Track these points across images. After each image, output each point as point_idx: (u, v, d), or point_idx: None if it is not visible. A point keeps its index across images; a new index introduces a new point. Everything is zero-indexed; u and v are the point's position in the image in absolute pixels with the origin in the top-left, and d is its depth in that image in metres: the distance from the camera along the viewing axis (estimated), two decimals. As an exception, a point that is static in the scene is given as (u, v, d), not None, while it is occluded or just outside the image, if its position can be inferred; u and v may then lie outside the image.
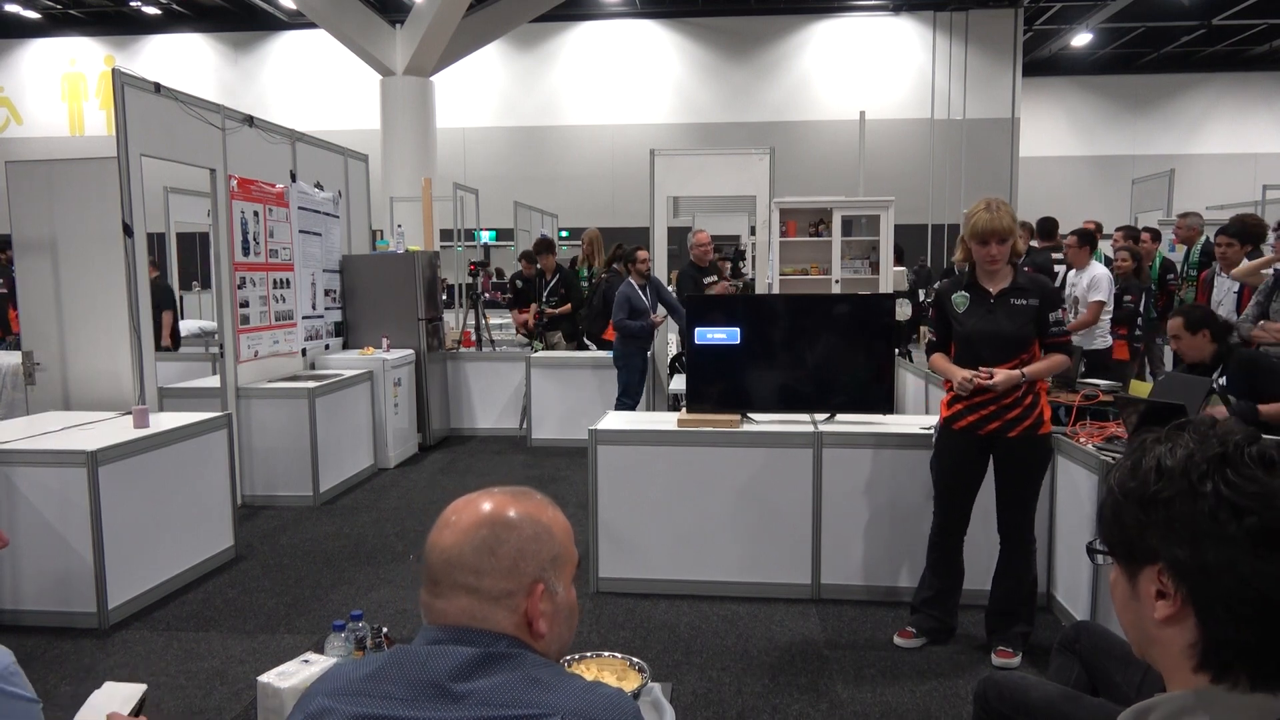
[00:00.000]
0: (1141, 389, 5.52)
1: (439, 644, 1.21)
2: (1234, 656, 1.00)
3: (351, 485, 6.59)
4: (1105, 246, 8.04)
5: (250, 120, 6.26)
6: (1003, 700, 2.21)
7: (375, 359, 7.12)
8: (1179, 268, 7.58)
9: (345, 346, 7.56)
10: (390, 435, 7.13)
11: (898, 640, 3.86)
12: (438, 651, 1.20)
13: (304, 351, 6.93)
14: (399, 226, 8.47)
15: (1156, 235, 8.41)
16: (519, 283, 9.12)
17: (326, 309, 7.34)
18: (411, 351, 7.56)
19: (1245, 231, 5.72)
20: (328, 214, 7.34)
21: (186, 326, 7.59)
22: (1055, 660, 2.42)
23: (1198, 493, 0.99)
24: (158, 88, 5.23)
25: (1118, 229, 7.92)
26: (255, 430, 6.03)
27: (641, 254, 7.17)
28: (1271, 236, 5.69)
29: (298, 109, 15.95)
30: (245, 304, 6.11)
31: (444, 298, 8.61)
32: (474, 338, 8.62)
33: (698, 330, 4.51)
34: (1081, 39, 16.32)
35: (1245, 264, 5.86)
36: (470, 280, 8.90)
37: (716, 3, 16.06)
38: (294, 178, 6.83)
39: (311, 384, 6.21)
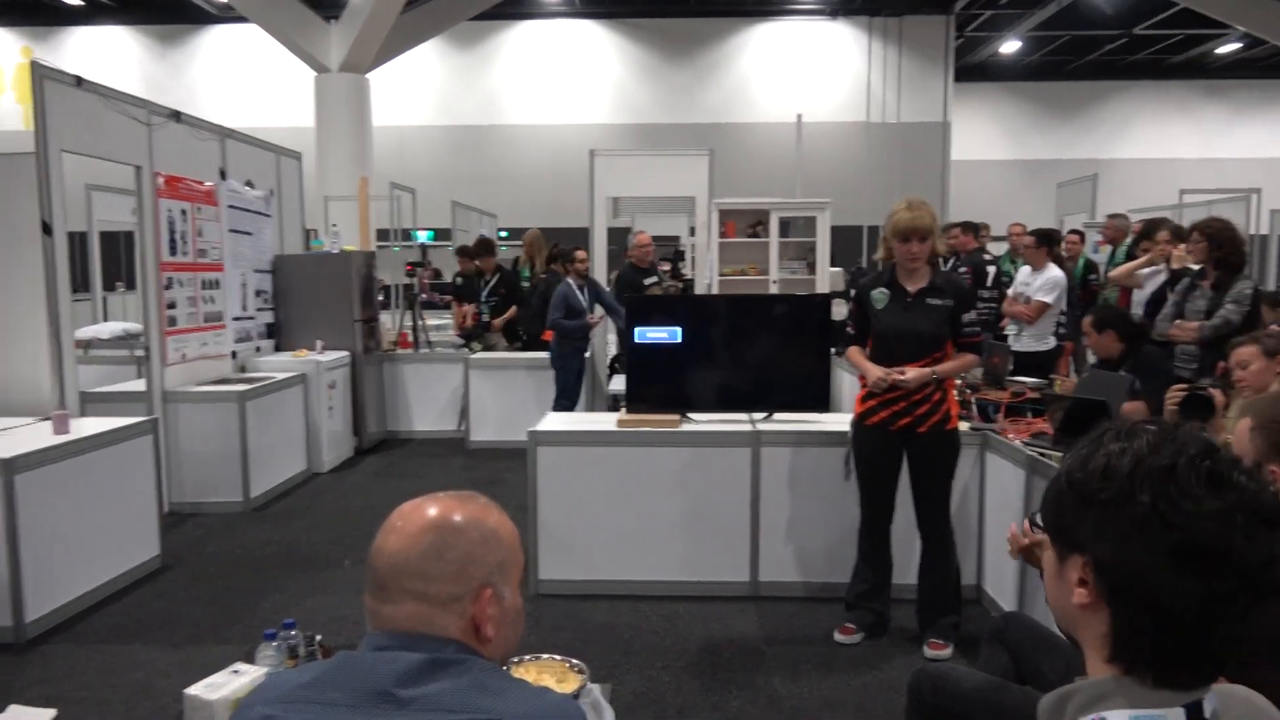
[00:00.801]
0: (1067, 386, 5.69)
1: (385, 650, 1.19)
2: (1139, 656, 1.04)
3: (284, 490, 6.45)
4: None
5: (177, 116, 6.09)
6: (935, 691, 2.26)
7: (309, 361, 6.97)
8: (1104, 268, 7.82)
9: (278, 349, 7.39)
10: (325, 439, 6.99)
11: (838, 637, 3.92)
12: (384, 657, 1.18)
13: (234, 354, 6.76)
14: (334, 226, 8.32)
15: (1082, 237, 8.69)
16: (459, 280, 9.05)
17: (258, 310, 7.17)
18: (346, 353, 7.43)
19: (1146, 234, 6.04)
20: (259, 213, 7.17)
21: (109, 329, 7.33)
22: (984, 650, 2.48)
23: (1134, 500, 1.01)
24: (79, 81, 5.05)
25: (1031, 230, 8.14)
26: (183, 435, 5.86)
27: (580, 254, 7.18)
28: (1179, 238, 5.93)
29: (228, 105, 15.53)
30: (173, 305, 5.93)
31: (380, 298, 8.48)
32: (411, 339, 8.51)
33: (637, 330, 4.52)
34: (1010, 46, 16.76)
35: (1123, 266, 6.10)
36: (408, 281, 8.78)
37: (656, 4, 16.11)
38: (224, 175, 6.66)
39: (242, 387, 6.06)
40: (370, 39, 11.78)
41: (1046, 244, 6.73)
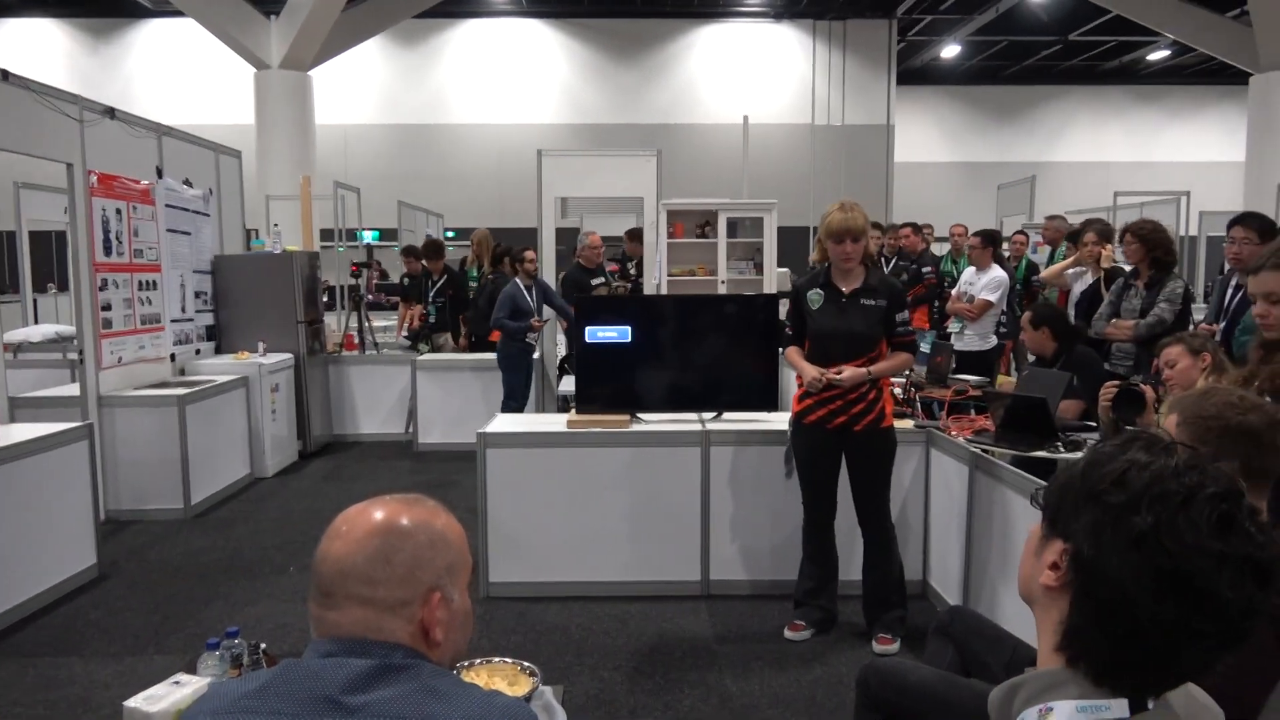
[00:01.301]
0: (1008, 384, 5.82)
1: (331, 657, 1.17)
2: (1084, 650, 1.07)
3: (227, 496, 6.31)
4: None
5: (111, 112, 5.92)
6: (883, 685, 2.30)
7: (251, 364, 6.83)
8: (1044, 268, 8.02)
9: (218, 351, 7.23)
10: (268, 443, 6.86)
11: (788, 634, 3.96)
12: (330, 664, 1.16)
13: (173, 357, 6.59)
14: (275, 226, 8.15)
15: (1027, 237, 8.91)
16: (406, 280, 8.97)
17: (198, 312, 7.00)
18: (290, 355, 7.29)
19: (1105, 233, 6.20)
20: (198, 212, 7.00)
21: (40, 331, 7.10)
22: (931, 644, 2.52)
23: (1137, 514, 1.02)
24: (5, 75, 4.88)
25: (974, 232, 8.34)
26: (120, 441, 5.70)
27: (529, 254, 7.16)
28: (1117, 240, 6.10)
29: (165, 102, 15.15)
30: (107, 307, 5.76)
31: (325, 299, 8.34)
32: (357, 341, 8.39)
33: (588, 330, 4.51)
34: (950, 50, 17.10)
35: (1051, 268, 6.27)
36: (353, 281, 8.65)
37: (602, 4, 16.10)
38: (160, 174, 6.49)
39: (181, 390, 5.91)
40: (312, 36, 11.59)
41: (992, 244, 6.90)
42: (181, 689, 2.11)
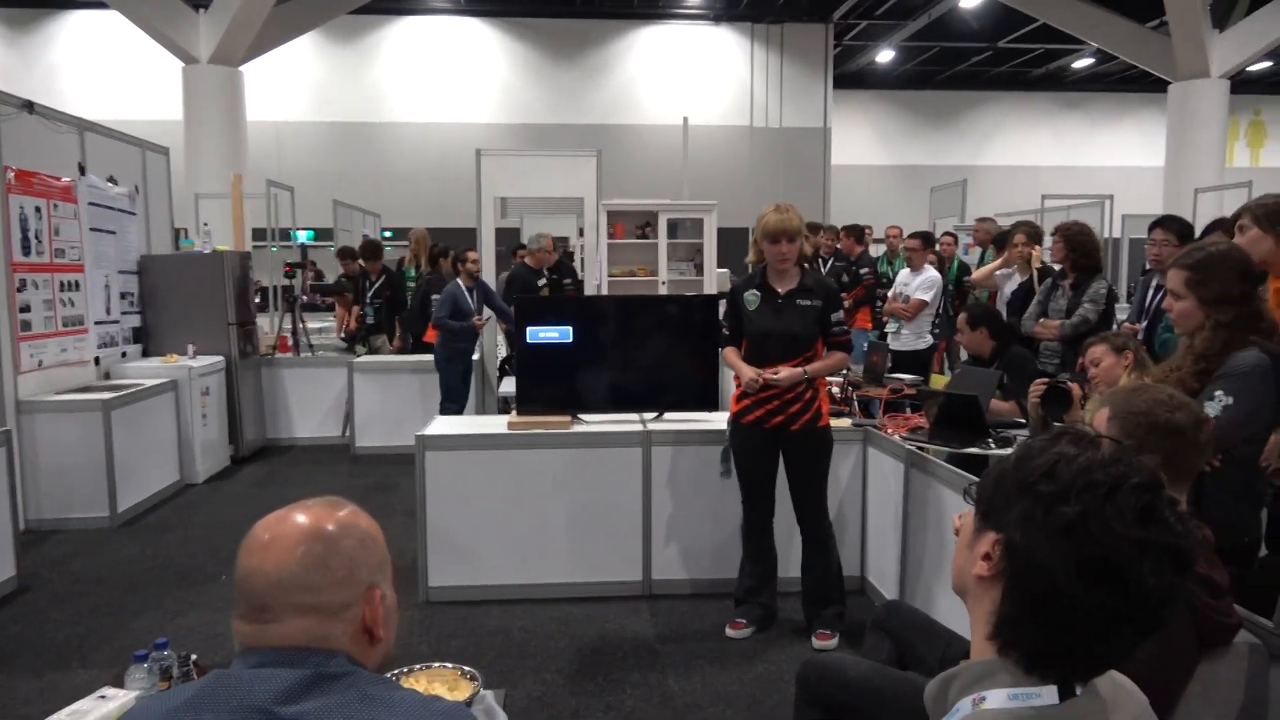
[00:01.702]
0: (941, 382, 5.95)
1: (262, 667, 1.15)
2: (1015, 639, 1.10)
3: (155, 503, 6.13)
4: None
5: (30, 106, 5.70)
6: (822, 680, 2.33)
7: (180, 366, 6.64)
8: (975, 269, 8.22)
9: (146, 354, 7.01)
10: (198, 448, 6.67)
11: (730, 632, 4.00)
12: (261, 675, 1.14)
13: (97, 360, 6.38)
14: (205, 225, 7.95)
15: (955, 238, 9.11)
16: (343, 280, 8.82)
17: (123, 314, 6.78)
18: (221, 358, 7.11)
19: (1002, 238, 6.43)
20: (123, 211, 6.78)
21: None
22: (868, 639, 2.57)
23: (1066, 503, 1.06)
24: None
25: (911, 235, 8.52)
26: (41, 447, 5.49)
27: (472, 255, 7.14)
28: (1048, 240, 6.28)
29: (90, 97, 14.64)
30: (26, 309, 5.55)
31: (257, 301, 8.15)
32: (291, 343, 8.21)
33: (529, 330, 4.49)
34: (885, 55, 17.42)
35: (981, 270, 6.44)
36: (286, 282, 8.47)
37: (541, 4, 16.03)
38: (83, 170, 6.27)
39: (107, 395, 5.72)
40: (243, 30, 11.30)
41: (929, 245, 7.08)
42: (108, 704, 2.04)
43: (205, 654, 3.75)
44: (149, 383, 6.25)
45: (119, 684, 2.14)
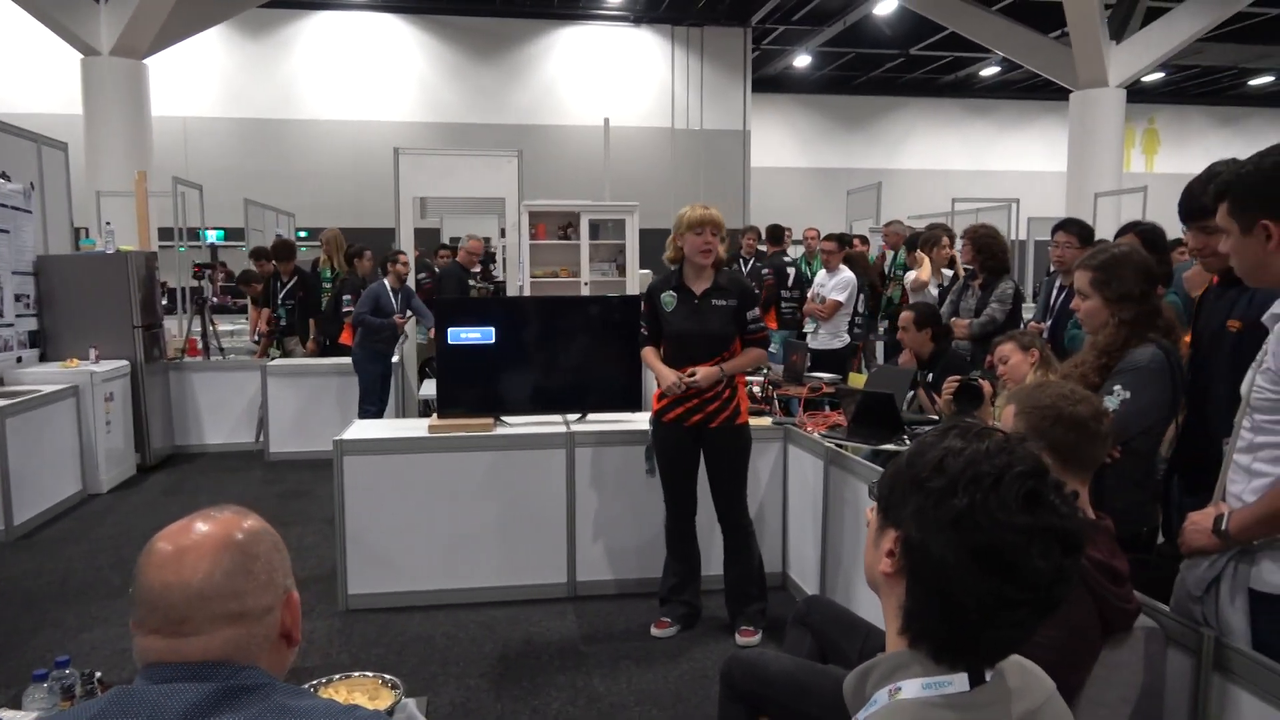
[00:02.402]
0: (859, 381, 6.08)
1: (168, 682, 1.11)
2: (922, 631, 1.14)
3: (55, 515, 5.85)
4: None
5: (-88, 98, 5.38)
6: (746, 677, 2.36)
7: (81, 371, 6.36)
8: (887, 269, 8.43)
9: (43, 359, 6.69)
10: (102, 456, 6.40)
11: (655, 631, 4.02)
12: (170, 690, 1.10)
13: (-10, 365, 6.07)
14: (108, 224, 7.62)
15: (865, 240, 9.33)
16: (252, 272, 8.58)
17: (19, 316, 6.45)
18: (126, 362, 6.83)
19: (928, 241, 6.56)
20: (17, 209, 6.45)
21: None
22: (790, 634, 2.61)
23: (955, 496, 1.09)
24: None
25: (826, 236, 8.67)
26: (-72, 458, 5.19)
27: (403, 257, 7.20)
28: (959, 243, 6.47)
29: (-22, 88, 13.92)
30: (-89, 312, 5.24)
31: (164, 303, 7.86)
32: (201, 346, 7.94)
33: (450, 331, 4.43)
34: (802, 60, 17.72)
35: (920, 277, 6.59)
36: (195, 283, 8.18)
37: (461, 2, 15.82)
38: (-28, 166, 5.96)
39: (1, 402, 5.44)
40: (147, 22, 10.86)
41: (844, 247, 7.24)
42: (4, 727, 1.94)
43: (109, 671, 3.60)
44: (47, 389, 5.96)
45: (17, 705, 2.04)
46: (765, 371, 5.43)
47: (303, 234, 13.02)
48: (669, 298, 3.90)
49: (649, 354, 4.00)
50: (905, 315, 4.90)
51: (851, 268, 7.38)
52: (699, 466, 3.97)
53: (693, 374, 3.76)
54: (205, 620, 1.14)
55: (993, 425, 1.36)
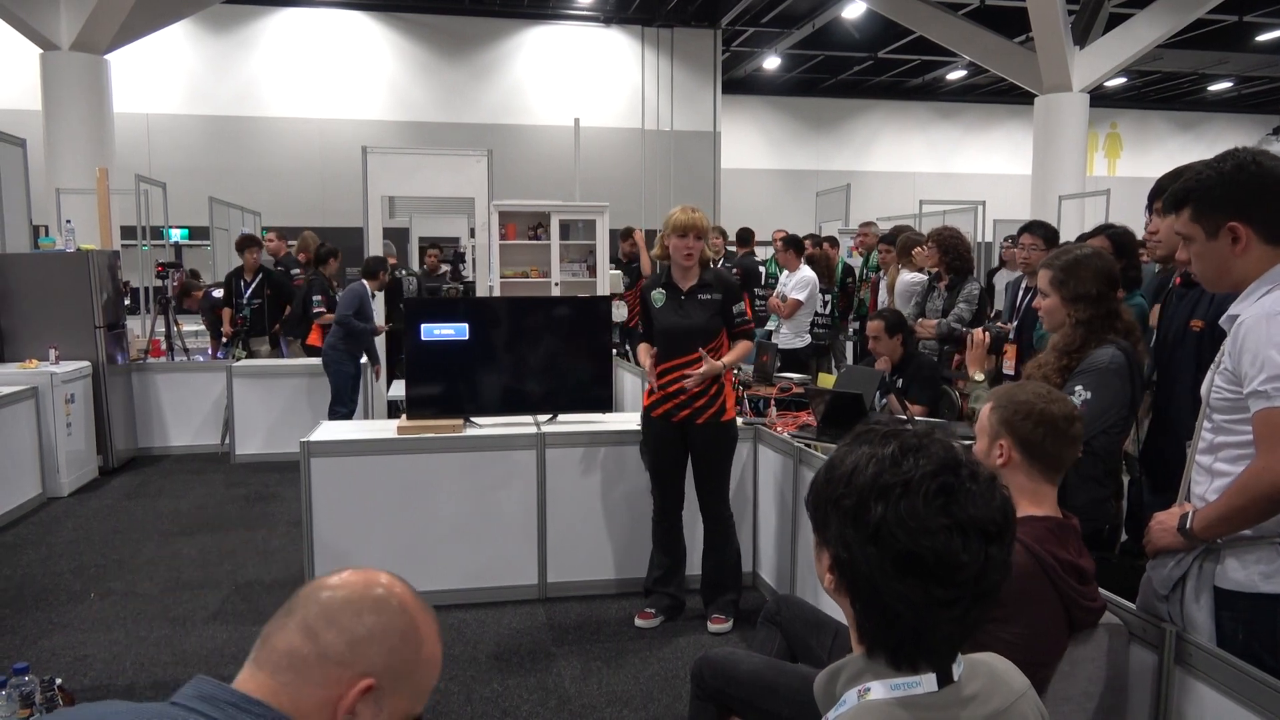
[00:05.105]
0: (828, 381, 6.12)
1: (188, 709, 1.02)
2: (873, 641, 1.15)
3: (13, 519, 5.73)
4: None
5: None
6: (716, 676, 2.37)
7: (41, 372, 6.24)
8: (858, 271, 8.49)
9: (1, 359, 6.55)
10: (62, 459, 6.28)
11: (639, 622, 4.08)
12: (135, 710, 1.03)
13: (-54, 366, 5.93)
14: (68, 222, 7.48)
15: (835, 242, 9.38)
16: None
17: (-25, 316, 6.33)
18: (87, 363, 6.70)
19: (904, 243, 6.60)
20: (-26, 206, 6.33)
21: None
22: (759, 633, 2.62)
23: (869, 510, 1.09)
24: None
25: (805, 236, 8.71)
26: (-120, 461, 5.07)
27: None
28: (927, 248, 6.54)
29: (-68, 82, 13.60)
30: None
31: (127, 302, 7.73)
32: (164, 346, 7.81)
33: (421, 329, 4.40)
34: (772, 62, 17.80)
35: (903, 281, 6.64)
36: (159, 283, 8.05)
37: (428, 0, 15.72)
38: (-73, 162, 5.82)
39: (-43, 404, 5.33)
40: (107, 17, 10.68)
41: (795, 248, 7.29)
42: (-40, 736, 1.90)
43: (70, 678, 3.54)
44: (5, 390, 5.83)
45: (-27, 714, 2.00)
46: (737, 372, 5.45)
47: (267, 233, 12.87)
48: (658, 295, 4.02)
49: (642, 352, 4.14)
50: (874, 324, 4.92)
51: (815, 269, 7.44)
52: (687, 460, 4.06)
53: (689, 376, 3.87)
54: (296, 613, 1.09)
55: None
